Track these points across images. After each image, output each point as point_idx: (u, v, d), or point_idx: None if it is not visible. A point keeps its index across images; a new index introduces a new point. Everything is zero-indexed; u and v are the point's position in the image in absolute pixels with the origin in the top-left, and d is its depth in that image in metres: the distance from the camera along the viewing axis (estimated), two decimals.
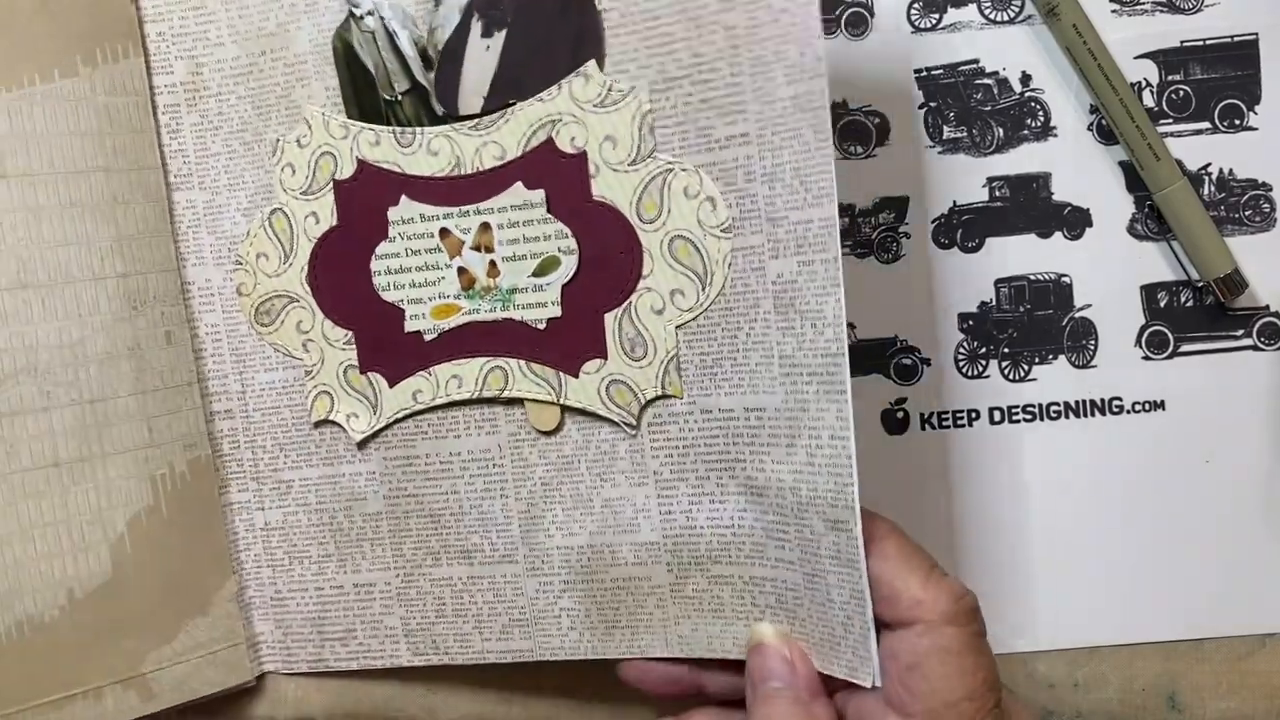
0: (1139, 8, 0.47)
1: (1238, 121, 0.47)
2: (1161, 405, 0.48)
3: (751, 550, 0.44)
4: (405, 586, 0.48)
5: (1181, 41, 0.47)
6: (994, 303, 0.49)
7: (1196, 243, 0.47)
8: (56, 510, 0.46)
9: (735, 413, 0.43)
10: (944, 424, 0.49)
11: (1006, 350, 0.49)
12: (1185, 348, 0.48)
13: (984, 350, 0.49)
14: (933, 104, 0.48)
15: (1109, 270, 0.48)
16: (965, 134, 0.48)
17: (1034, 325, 0.49)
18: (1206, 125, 0.47)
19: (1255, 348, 0.48)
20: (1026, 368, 0.48)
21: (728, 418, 0.43)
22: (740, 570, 0.44)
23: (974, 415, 0.49)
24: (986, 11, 0.48)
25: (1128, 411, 0.48)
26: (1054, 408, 0.48)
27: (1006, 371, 0.48)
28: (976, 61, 0.48)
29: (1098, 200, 0.48)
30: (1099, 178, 0.48)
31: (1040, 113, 0.48)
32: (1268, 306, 0.48)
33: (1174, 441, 0.48)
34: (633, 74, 0.42)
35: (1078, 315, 0.48)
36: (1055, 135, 0.48)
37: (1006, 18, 0.48)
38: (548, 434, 0.46)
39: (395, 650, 0.49)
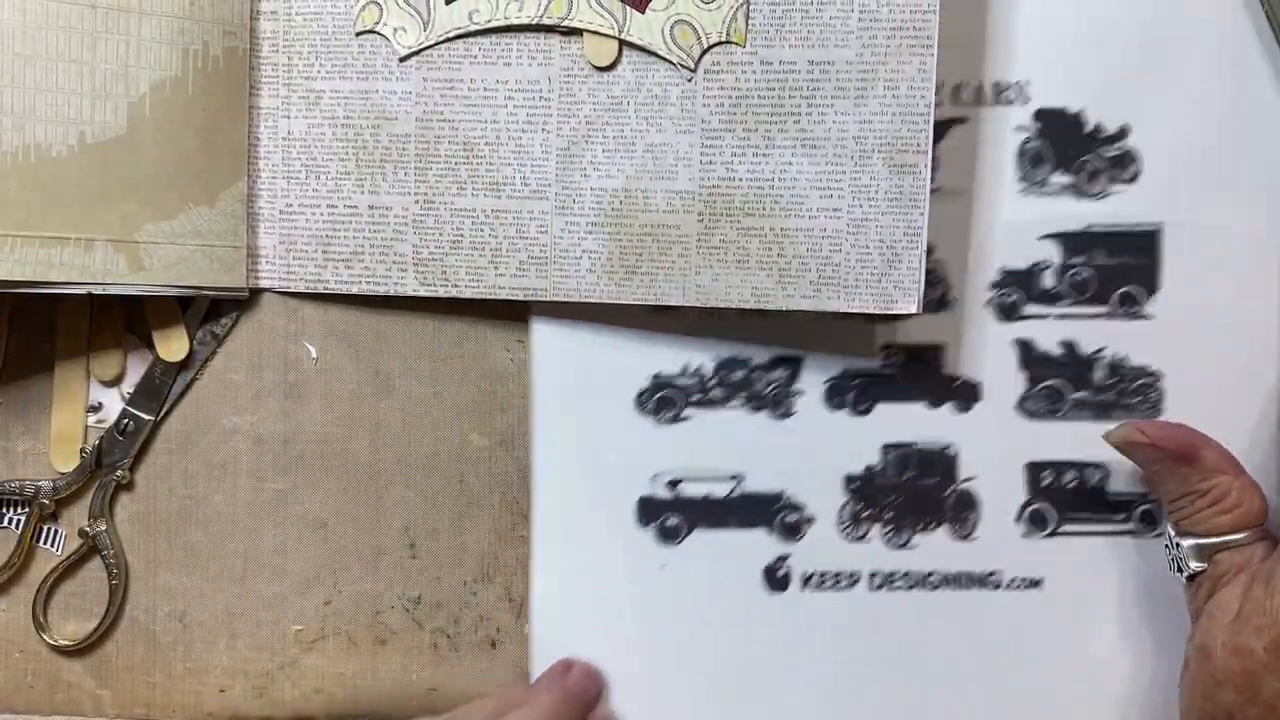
0: (1045, 190, 0.44)
1: (1134, 309, 0.45)
2: (1038, 584, 0.45)
3: (790, 202, 0.41)
4: (423, 214, 0.44)
5: (1088, 226, 0.44)
6: (880, 467, 0.45)
7: None
8: (84, 50, 0.41)
9: (796, 65, 0.41)
10: (824, 585, 0.45)
11: (889, 516, 0.45)
12: (1066, 528, 0.45)
13: (867, 514, 0.45)
14: None
15: (995, 445, 0.45)
16: None
17: (918, 493, 0.45)
18: (1104, 310, 0.45)
19: (1134, 533, 0.45)
20: (908, 535, 0.45)
21: (787, 70, 0.41)
22: (773, 222, 0.42)
23: (854, 579, 0.46)
24: None
25: (1004, 588, 0.45)
26: (932, 578, 0.45)
27: (888, 537, 0.45)
28: None
29: (989, 376, 0.45)
30: (992, 354, 0.45)
31: (940, 284, 0.45)
32: (1148, 493, 0.45)
33: (1048, 621, 0.45)
34: None
35: (961, 487, 0.45)
36: (952, 308, 0.45)
37: None
38: (602, 70, 0.43)
39: (402, 278, 0.45)
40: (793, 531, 0.45)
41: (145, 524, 0.45)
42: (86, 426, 0.45)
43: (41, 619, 0.45)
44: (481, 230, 0.44)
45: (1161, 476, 0.42)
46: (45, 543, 0.45)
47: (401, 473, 0.45)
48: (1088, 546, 0.45)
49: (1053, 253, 0.45)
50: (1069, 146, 0.44)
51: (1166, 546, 0.42)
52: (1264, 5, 0.43)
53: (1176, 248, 0.44)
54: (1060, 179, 0.44)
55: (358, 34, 0.44)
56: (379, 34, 0.43)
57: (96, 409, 0.45)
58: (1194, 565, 0.41)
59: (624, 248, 0.43)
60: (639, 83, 0.42)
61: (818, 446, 0.45)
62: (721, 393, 0.45)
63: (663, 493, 0.45)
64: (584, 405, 0.45)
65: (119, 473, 0.44)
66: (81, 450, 0.45)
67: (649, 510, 0.45)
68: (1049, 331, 0.45)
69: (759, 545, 0.45)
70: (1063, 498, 0.45)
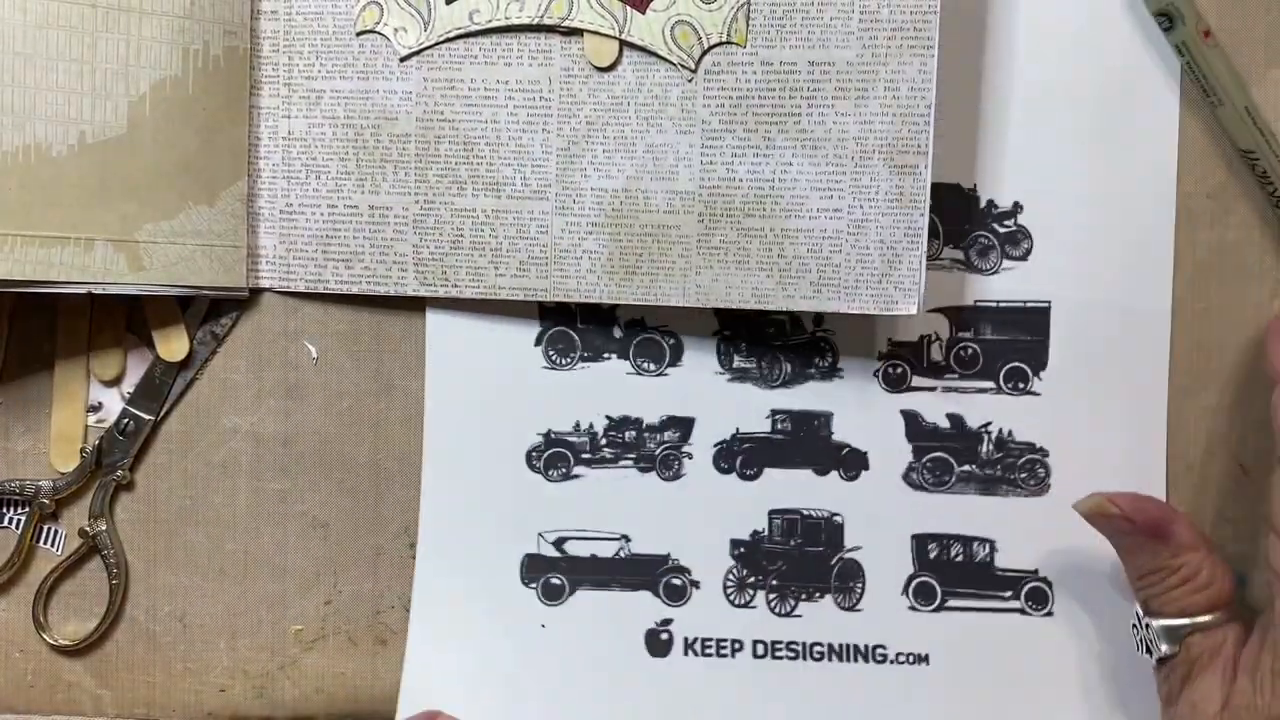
0: (937, 263, 0.44)
1: (1022, 385, 0.44)
2: (925, 659, 0.44)
3: (790, 203, 0.41)
4: (423, 214, 0.44)
5: (975, 301, 0.44)
6: (766, 533, 0.45)
7: None
8: (85, 49, 0.41)
9: (797, 66, 0.41)
10: (707, 651, 0.45)
11: (775, 583, 0.45)
12: (953, 603, 0.44)
13: (753, 580, 0.45)
14: (727, 332, 0.45)
15: (881, 515, 0.45)
16: (754, 365, 0.45)
17: (804, 560, 0.45)
18: (991, 385, 0.44)
19: (1023, 611, 0.44)
20: (793, 603, 0.45)
21: (788, 71, 0.41)
22: (773, 223, 0.42)
23: (738, 646, 0.45)
24: None
25: (891, 661, 0.44)
26: (817, 648, 0.44)
27: (773, 604, 0.45)
28: None
29: (876, 445, 0.45)
30: (880, 423, 0.44)
31: (829, 353, 0.45)
32: (1036, 571, 0.44)
33: (936, 698, 0.44)
34: None
35: (847, 556, 0.45)
36: (841, 376, 0.45)
37: None
38: (602, 70, 0.43)
39: (402, 278, 0.44)
40: (678, 595, 0.45)
41: (145, 524, 0.45)
42: (86, 426, 0.45)
43: (41, 619, 0.45)
44: (482, 230, 0.44)
45: (1130, 551, 0.41)
46: (45, 543, 0.45)
47: (401, 473, 0.45)
48: (975, 622, 0.44)
49: (941, 326, 0.44)
50: (962, 221, 0.44)
51: (1134, 627, 0.41)
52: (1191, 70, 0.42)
53: (1066, 326, 0.44)
54: (952, 253, 0.44)
55: (358, 34, 0.43)
56: (379, 34, 0.43)
57: (96, 409, 0.45)
58: (1165, 648, 0.39)
59: (624, 248, 0.43)
60: (639, 83, 0.42)
61: (706, 509, 0.45)
62: (612, 452, 0.45)
63: (548, 551, 0.45)
64: (474, 460, 0.45)
65: (119, 473, 0.44)
66: (81, 450, 0.44)
67: (534, 568, 0.45)
68: (936, 404, 0.44)
69: (643, 608, 0.45)
70: (949, 571, 0.45)
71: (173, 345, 0.44)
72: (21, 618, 0.45)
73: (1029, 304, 0.44)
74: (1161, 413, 0.44)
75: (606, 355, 0.45)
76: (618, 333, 0.45)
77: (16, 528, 0.45)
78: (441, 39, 0.43)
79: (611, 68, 0.42)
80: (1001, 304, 0.44)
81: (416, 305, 0.45)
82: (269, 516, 0.45)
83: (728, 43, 0.41)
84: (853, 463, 0.45)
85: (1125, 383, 0.44)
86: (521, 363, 0.45)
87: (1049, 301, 0.44)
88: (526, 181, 0.43)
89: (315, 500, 0.45)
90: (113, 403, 0.45)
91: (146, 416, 0.45)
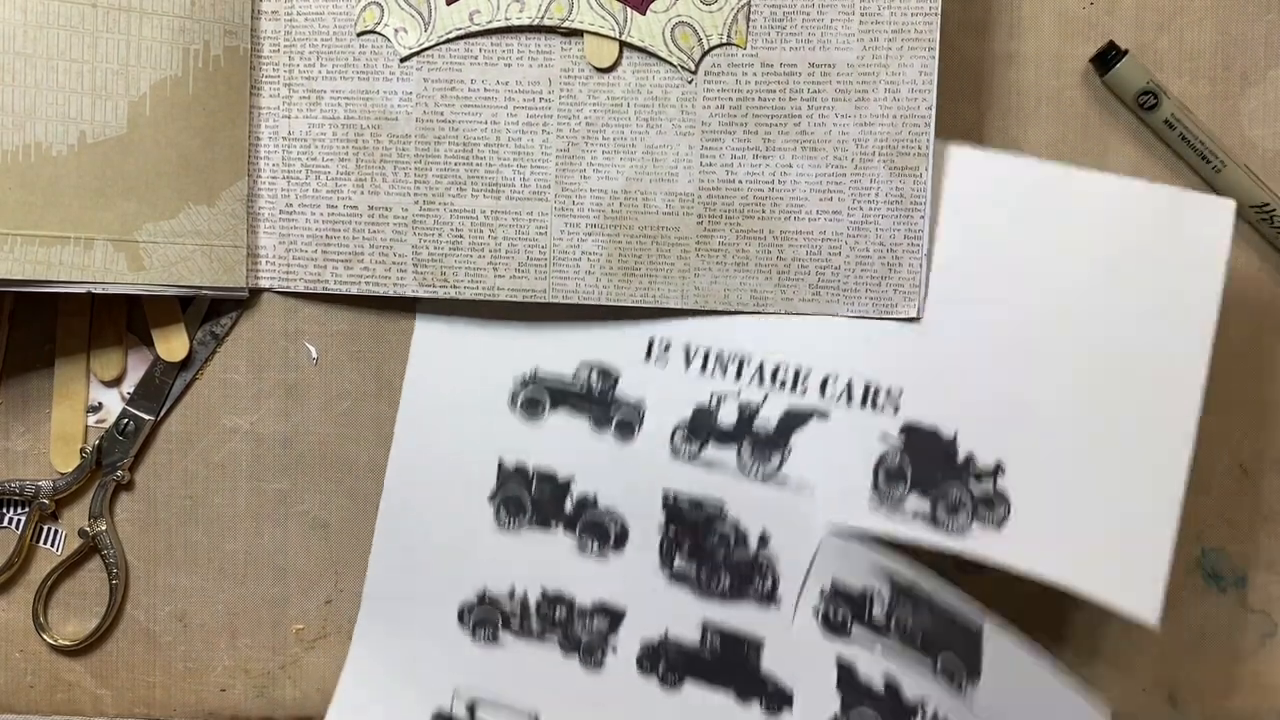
0: (898, 511, 0.40)
1: (957, 680, 0.40)
2: None
3: (789, 205, 0.41)
4: (423, 214, 0.44)
5: (912, 584, 0.40)
6: None
7: None
8: (85, 49, 0.41)
9: (797, 68, 0.41)
10: None
11: None
12: None
13: None
14: (672, 530, 0.43)
15: None
16: (695, 570, 0.43)
17: None
18: (927, 670, 0.40)
19: None
20: None
21: (788, 73, 0.41)
22: (772, 225, 0.42)
23: None
24: (744, 462, 0.42)
25: None
26: None
27: None
28: (723, 506, 0.42)
29: (805, 686, 0.41)
30: (812, 665, 0.41)
31: (769, 576, 0.42)
32: None
33: None
34: None
35: None
36: (778, 606, 0.42)
37: (762, 474, 0.42)
38: (602, 71, 0.43)
39: (401, 279, 0.45)
40: None
41: (145, 524, 0.45)
42: (86, 426, 0.45)
43: (41, 619, 0.45)
44: (481, 231, 0.44)
45: None
46: (45, 543, 0.45)
47: None
48: None
49: (884, 586, 0.41)
50: (934, 470, 0.39)
51: None
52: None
53: (994, 642, 0.39)
54: (918, 503, 0.40)
55: (359, 34, 0.43)
56: (380, 34, 0.43)
57: (96, 409, 0.45)
58: None
59: (623, 249, 0.43)
60: (639, 84, 0.42)
61: (618, 708, 0.43)
62: (539, 626, 0.44)
63: (460, 712, 0.44)
64: (408, 605, 0.44)
65: (119, 473, 0.44)
66: (81, 450, 0.45)
67: None
68: (874, 663, 0.41)
69: None
70: None
71: (173, 345, 0.44)
72: (21, 618, 0.45)
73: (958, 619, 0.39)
74: None
75: (554, 525, 0.44)
76: (569, 506, 0.44)
77: (16, 528, 0.45)
78: (442, 40, 0.43)
79: (611, 69, 0.42)
80: (935, 603, 0.39)
81: (416, 306, 0.45)
82: (269, 516, 0.45)
83: (728, 44, 0.41)
84: (777, 699, 0.42)
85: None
86: (472, 515, 0.44)
87: (981, 625, 0.39)
88: (526, 182, 0.43)
89: (315, 500, 0.45)
90: (113, 403, 0.45)
91: (146, 416, 0.45)
